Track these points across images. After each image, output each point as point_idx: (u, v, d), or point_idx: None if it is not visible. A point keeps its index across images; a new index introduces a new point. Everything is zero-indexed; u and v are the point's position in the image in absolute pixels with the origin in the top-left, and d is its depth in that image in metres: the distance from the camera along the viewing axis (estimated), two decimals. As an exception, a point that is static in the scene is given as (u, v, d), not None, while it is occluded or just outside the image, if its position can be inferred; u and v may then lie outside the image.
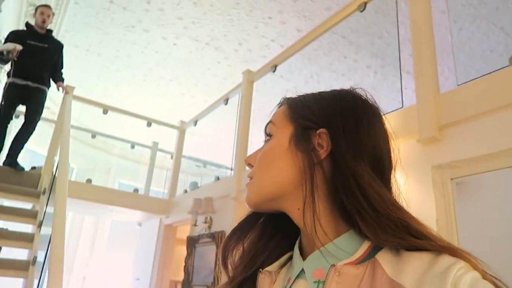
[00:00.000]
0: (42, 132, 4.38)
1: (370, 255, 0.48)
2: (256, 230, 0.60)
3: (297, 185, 0.52)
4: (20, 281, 3.07)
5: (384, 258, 0.46)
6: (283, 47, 4.95)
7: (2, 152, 3.63)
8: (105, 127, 6.93)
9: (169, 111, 7.06)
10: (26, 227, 3.40)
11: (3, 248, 3.34)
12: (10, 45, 3.44)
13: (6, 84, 3.63)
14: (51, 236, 2.38)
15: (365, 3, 2.94)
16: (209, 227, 4.37)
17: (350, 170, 0.50)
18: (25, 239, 3.04)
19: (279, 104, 0.62)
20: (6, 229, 3.27)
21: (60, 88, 3.87)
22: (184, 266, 4.70)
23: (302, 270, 0.51)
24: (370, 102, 0.57)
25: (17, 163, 3.58)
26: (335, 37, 4.77)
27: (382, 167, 0.53)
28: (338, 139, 0.52)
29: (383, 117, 0.58)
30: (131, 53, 5.63)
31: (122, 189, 7.11)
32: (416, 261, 0.44)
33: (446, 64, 4.45)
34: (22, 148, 3.70)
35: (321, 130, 0.53)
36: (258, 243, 0.59)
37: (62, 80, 3.94)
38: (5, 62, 3.58)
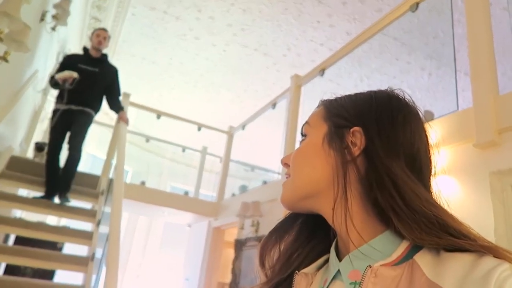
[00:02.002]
0: (102, 137, 4.62)
1: (408, 256, 0.46)
2: (293, 232, 0.60)
3: (331, 183, 0.52)
4: (80, 276, 3.26)
5: (423, 259, 0.45)
6: (332, 50, 4.89)
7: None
8: (158, 132, 7.22)
9: (218, 116, 7.22)
10: (86, 226, 3.62)
11: (66, 244, 3.59)
12: (67, 73, 3.31)
13: (52, 112, 3.50)
14: (108, 234, 2.52)
15: (417, 3, 2.84)
16: (256, 230, 4.40)
17: (385, 168, 0.49)
18: (85, 237, 3.23)
19: (317, 106, 0.62)
20: (69, 227, 3.51)
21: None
22: (232, 269, 4.76)
23: (339, 271, 0.50)
24: (407, 101, 0.56)
25: (65, 198, 3.30)
26: (386, 39, 4.64)
27: (419, 165, 0.52)
28: (372, 136, 0.52)
29: (422, 117, 0.56)
30: (183, 60, 5.84)
31: (174, 192, 7.36)
32: (457, 263, 0.42)
33: (509, 64, 4.18)
34: (72, 178, 3.39)
35: (355, 128, 0.53)
36: (295, 244, 0.59)
37: (122, 108, 3.78)
38: (61, 88, 3.41)
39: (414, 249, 0.47)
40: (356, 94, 0.59)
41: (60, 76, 3.31)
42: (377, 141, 0.51)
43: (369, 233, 0.49)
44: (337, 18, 4.56)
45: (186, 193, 6.14)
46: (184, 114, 6.42)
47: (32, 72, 3.56)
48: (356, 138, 0.52)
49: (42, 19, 3.36)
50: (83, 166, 6.89)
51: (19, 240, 3.56)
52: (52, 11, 3.55)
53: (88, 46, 3.74)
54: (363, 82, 5.57)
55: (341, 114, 0.56)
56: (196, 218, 6.14)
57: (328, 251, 0.57)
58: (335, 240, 0.56)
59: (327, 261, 0.57)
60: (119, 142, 3.40)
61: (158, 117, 5.87)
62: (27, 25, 2.34)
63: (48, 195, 3.27)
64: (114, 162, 3.58)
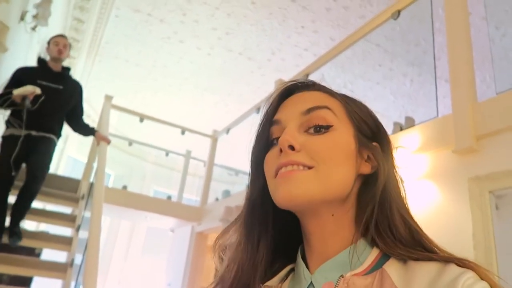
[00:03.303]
0: (83, 139, 4.52)
1: (377, 265, 0.47)
2: (264, 235, 0.54)
3: (349, 191, 0.50)
4: (59, 282, 3.19)
5: (392, 268, 0.46)
6: (316, 56, 4.93)
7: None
8: (141, 135, 7.14)
9: (203, 119, 7.19)
10: (65, 231, 3.55)
11: (45, 250, 3.50)
12: (29, 88, 2.68)
13: (2, 138, 2.79)
14: (88, 239, 2.47)
15: (399, 11, 2.89)
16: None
17: (386, 192, 0.50)
18: (64, 242, 3.17)
19: (314, 86, 0.56)
20: (47, 232, 3.43)
21: (101, 141, 3.28)
22: (215, 273, 4.72)
23: (311, 283, 0.49)
24: None
25: (15, 237, 2.73)
26: (369, 45, 4.70)
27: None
28: (381, 158, 0.51)
29: None
30: (168, 63, 5.80)
31: (157, 196, 7.28)
32: (424, 271, 0.43)
33: (488, 72, 4.28)
34: (23, 215, 2.83)
35: (375, 143, 0.52)
36: (260, 250, 0.53)
37: (94, 129, 3.33)
38: (17, 109, 2.73)
39: (383, 258, 0.48)
40: (362, 103, 0.56)
41: (19, 92, 2.65)
42: (384, 163, 0.51)
43: (346, 243, 0.49)
44: (321, 24, 4.61)
45: (169, 197, 6.08)
46: (168, 117, 6.36)
47: (11, 72, 3.48)
48: (373, 154, 0.52)
49: (22, 18, 3.29)
50: (63, 169, 6.77)
51: (-5, 246, 3.46)
52: (32, 11, 3.48)
53: (46, 57, 3.11)
54: (347, 87, 5.63)
55: (366, 122, 0.53)
56: (179, 223, 6.08)
57: (284, 261, 0.55)
58: (299, 249, 0.54)
59: (289, 272, 0.55)
60: (101, 150, 3.32)
61: (141, 120, 5.80)
62: (5, 25, 2.29)
63: None
64: (95, 165, 3.52)
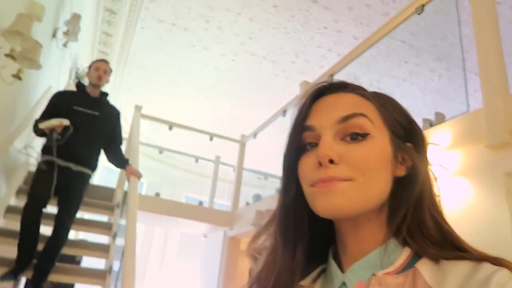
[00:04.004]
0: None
1: (409, 264, 0.47)
2: (300, 236, 0.55)
3: (387, 197, 0.50)
4: (98, 289, 3.29)
5: (424, 267, 0.46)
6: (340, 55, 4.89)
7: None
8: (171, 143, 7.28)
9: (230, 125, 7.25)
10: (103, 238, 3.67)
11: (84, 258, 3.63)
12: (55, 122, 2.53)
13: (38, 165, 2.64)
14: (124, 246, 2.55)
15: (423, 5, 2.83)
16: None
17: (425, 195, 0.50)
18: (102, 250, 3.27)
19: (347, 87, 0.54)
20: (86, 240, 3.56)
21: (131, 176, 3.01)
22: (248, 278, 4.74)
23: (343, 283, 0.50)
24: None
25: None
26: (394, 42, 4.63)
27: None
28: (417, 159, 0.51)
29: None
30: (193, 71, 5.90)
31: (188, 202, 7.39)
32: (457, 270, 0.43)
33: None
34: (55, 259, 2.58)
35: (409, 144, 0.52)
36: (294, 257, 0.54)
37: (127, 161, 3.09)
38: (48, 140, 2.64)
39: (415, 257, 0.48)
40: (394, 100, 0.55)
41: (45, 125, 2.53)
42: (420, 165, 0.51)
43: (378, 243, 0.50)
44: (343, 23, 4.57)
45: (201, 203, 6.17)
46: (196, 124, 6.47)
47: (46, 88, 3.65)
48: (408, 156, 0.51)
49: (54, 36, 3.44)
50: (98, 178, 6.99)
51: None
52: (63, 28, 3.64)
53: (85, 82, 3.05)
54: (373, 86, 5.55)
55: (400, 123, 0.52)
56: (211, 228, 6.15)
57: (316, 261, 0.56)
58: (331, 250, 0.55)
59: (321, 273, 0.56)
60: (133, 159, 3.40)
61: (170, 128, 5.92)
62: (39, 43, 2.41)
63: (16, 274, 2.44)
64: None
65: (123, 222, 3.17)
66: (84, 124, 2.73)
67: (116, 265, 3.05)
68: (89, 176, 2.83)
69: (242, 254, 5.75)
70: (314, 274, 0.56)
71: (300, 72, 5.56)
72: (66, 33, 3.65)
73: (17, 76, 2.36)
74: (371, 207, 0.48)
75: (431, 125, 2.54)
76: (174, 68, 5.91)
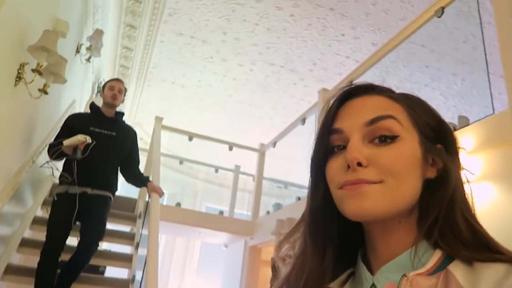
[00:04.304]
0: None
1: (441, 266, 0.46)
2: (331, 239, 0.55)
3: (417, 199, 0.50)
4: (122, 298, 3.32)
5: (457, 269, 0.45)
6: (358, 62, 4.86)
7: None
8: (191, 153, 7.35)
9: (249, 134, 7.28)
10: (125, 248, 3.71)
11: (107, 268, 3.68)
12: (80, 138, 2.44)
13: (53, 196, 2.58)
14: (147, 256, 2.57)
15: (443, 8, 2.79)
16: (293, 247, 4.34)
17: (457, 196, 0.49)
18: (125, 260, 3.31)
19: (374, 89, 0.54)
20: (109, 250, 3.60)
21: (153, 194, 2.92)
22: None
23: (373, 284, 0.50)
24: None
25: None
26: (414, 47, 4.57)
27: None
28: (448, 161, 0.50)
29: None
30: (212, 82, 5.97)
31: (209, 212, 7.42)
32: (491, 272, 0.42)
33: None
34: (73, 280, 2.58)
35: (440, 146, 0.51)
36: (324, 260, 0.54)
37: (147, 179, 3.05)
38: (69, 159, 2.56)
39: (447, 259, 0.47)
40: (422, 101, 0.54)
41: (69, 143, 2.44)
42: (452, 166, 0.50)
43: (409, 245, 0.49)
44: (361, 30, 4.55)
45: (221, 212, 6.18)
46: (215, 134, 6.52)
47: (70, 102, 3.75)
48: (439, 158, 0.50)
49: (78, 51, 3.55)
50: (120, 189, 7.10)
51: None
52: (86, 43, 3.75)
53: (99, 103, 2.98)
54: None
55: (429, 124, 0.51)
56: (232, 238, 6.14)
57: (346, 265, 0.56)
58: (360, 252, 0.55)
59: (349, 276, 0.55)
60: (154, 170, 3.44)
61: (190, 139, 5.98)
62: (63, 58, 2.49)
63: None
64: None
65: (145, 232, 3.20)
66: (101, 144, 2.63)
67: (138, 275, 3.08)
68: (109, 200, 2.76)
69: (263, 263, 5.71)
70: (343, 277, 0.55)
71: (319, 80, 5.55)
72: (89, 48, 3.76)
73: (44, 91, 2.43)
74: (401, 209, 0.48)
75: (455, 129, 2.49)
76: (193, 80, 5.99)
